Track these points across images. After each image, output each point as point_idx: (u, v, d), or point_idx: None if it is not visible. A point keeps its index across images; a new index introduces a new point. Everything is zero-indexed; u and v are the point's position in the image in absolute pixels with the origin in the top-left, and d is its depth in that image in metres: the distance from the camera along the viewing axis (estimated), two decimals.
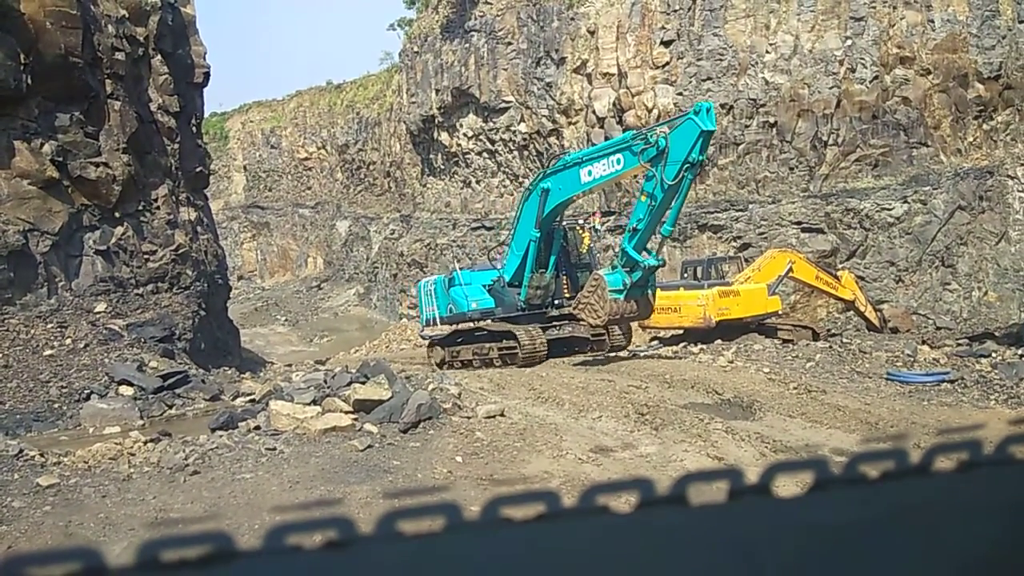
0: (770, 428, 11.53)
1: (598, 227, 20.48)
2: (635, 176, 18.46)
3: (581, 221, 20.27)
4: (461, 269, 21.04)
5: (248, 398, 14.20)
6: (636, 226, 15.39)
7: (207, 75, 24.38)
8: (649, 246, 15.93)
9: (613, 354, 17.94)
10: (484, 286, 19.00)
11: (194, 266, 20.90)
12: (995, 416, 12.21)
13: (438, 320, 20.12)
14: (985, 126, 28.96)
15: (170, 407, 14.48)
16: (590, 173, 16.23)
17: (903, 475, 0.89)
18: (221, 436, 10.31)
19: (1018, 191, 27.96)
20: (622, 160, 15.58)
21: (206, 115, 29.16)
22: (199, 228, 22.53)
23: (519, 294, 18.10)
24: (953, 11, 28.52)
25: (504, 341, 17.57)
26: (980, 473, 0.90)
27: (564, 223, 18.82)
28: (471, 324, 19.33)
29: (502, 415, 11.48)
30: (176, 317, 19.23)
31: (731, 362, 17.02)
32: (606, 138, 28.82)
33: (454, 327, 19.70)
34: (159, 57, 21.17)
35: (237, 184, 55.67)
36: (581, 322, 16.97)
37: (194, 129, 23.99)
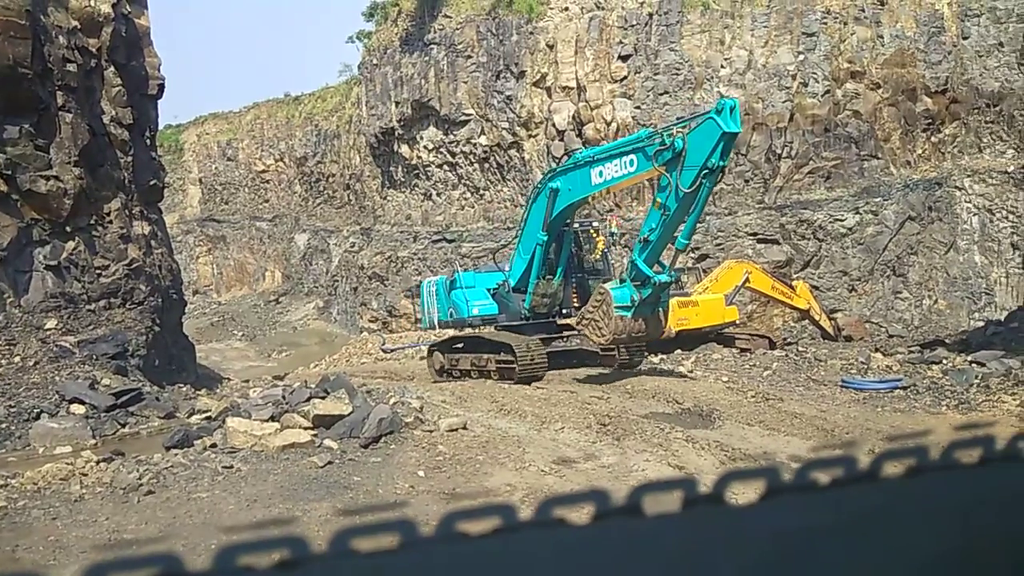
0: (729, 436, 11.66)
1: (615, 230, 18.79)
2: (646, 181, 16.88)
3: (596, 224, 18.84)
4: (464, 270, 19.75)
5: (204, 415, 13.92)
6: (648, 237, 13.87)
7: (161, 87, 23.99)
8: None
9: (626, 370, 16.63)
10: (488, 290, 17.79)
11: (148, 281, 20.48)
12: (946, 421, 12.51)
13: (437, 324, 18.97)
14: (933, 139, 29.85)
15: (123, 426, 14.13)
16: (601, 174, 14.69)
17: (853, 481, 0.91)
18: (176, 455, 10.09)
19: (966, 202, 28.84)
20: (635, 162, 13.96)
21: (161, 127, 28.68)
22: (153, 242, 22.10)
23: (524, 301, 16.86)
24: (901, 27, 29.40)
25: (502, 353, 16.11)
26: (927, 478, 0.93)
27: (577, 225, 17.38)
28: (472, 331, 17.86)
29: (464, 428, 11.44)
30: (129, 333, 18.80)
31: (691, 372, 17.20)
32: (566, 150, 29.08)
33: (450, 334, 18.56)
34: (112, 69, 20.77)
35: (192, 197, 54.83)
36: (584, 338, 15.65)
37: (148, 142, 23.56)
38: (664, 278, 14.03)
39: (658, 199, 13.71)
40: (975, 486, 0.94)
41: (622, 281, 14.38)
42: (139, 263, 20.13)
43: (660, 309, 14.66)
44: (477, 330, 17.81)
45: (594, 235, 17.76)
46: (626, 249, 29.26)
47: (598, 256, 17.68)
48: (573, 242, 17.14)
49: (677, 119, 19.92)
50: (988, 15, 29.12)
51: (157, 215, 23.77)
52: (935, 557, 0.91)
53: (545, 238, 16.11)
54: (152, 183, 22.92)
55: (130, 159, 21.17)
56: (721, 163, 12.78)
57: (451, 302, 18.26)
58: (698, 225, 28.69)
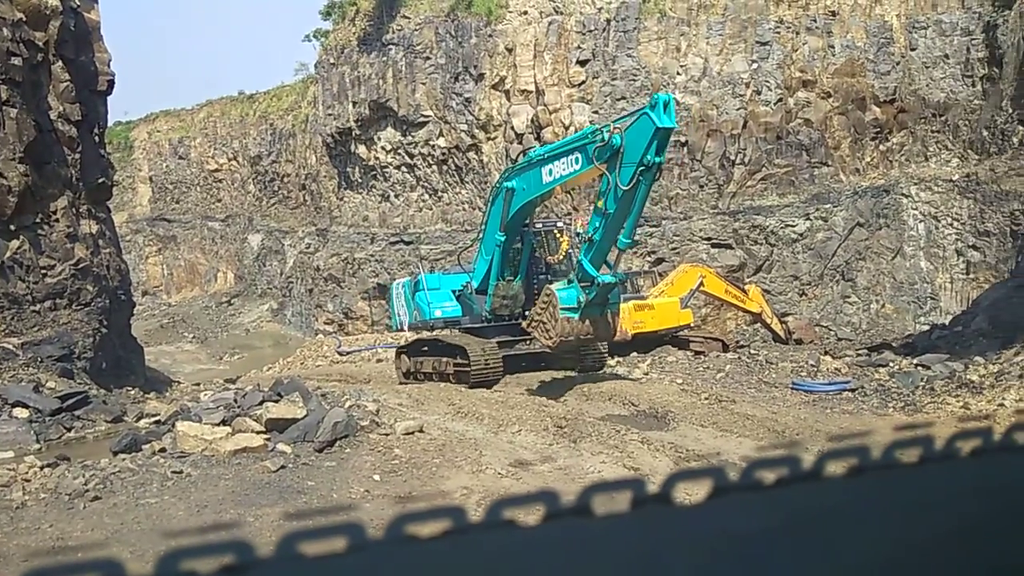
0: (683, 438, 11.81)
1: (581, 231, 18.37)
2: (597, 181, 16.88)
3: (561, 223, 18.11)
4: (427, 272, 19.42)
5: (153, 419, 13.64)
6: (592, 237, 13.51)
7: (111, 83, 23.42)
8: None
9: (588, 373, 16.32)
10: (453, 292, 17.46)
11: (95, 281, 19.97)
12: (892, 423, 12.83)
13: (405, 326, 18.66)
14: (882, 147, 30.67)
15: (69, 430, 13.76)
16: (551, 172, 14.32)
17: (797, 481, 0.93)
18: (124, 459, 9.86)
19: (912, 209, 29.68)
20: (580, 159, 13.57)
21: (110, 124, 28.00)
22: (101, 242, 21.55)
23: (486, 302, 16.47)
24: (852, 37, 30.16)
25: (458, 357, 15.83)
26: (869, 477, 0.95)
27: (540, 225, 16.97)
28: (429, 334, 17.63)
29: (421, 431, 11.38)
30: (76, 335, 18.31)
31: (646, 374, 17.36)
32: (523, 154, 29.13)
33: (414, 336, 18.21)
34: (60, 63, 20.21)
35: (142, 196, 53.69)
36: (535, 341, 15.03)
37: (97, 138, 22.97)
38: (608, 279, 13.56)
39: (599, 198, 13.44)
40: (915, 485, 0.97)
41: (570, 282, 14.02)
42: (86, 263, 19.62)
43: (609, 311, 14.26)
44: (435, 333, 17.54)
45: (559, 236, 17.17)
46: None
47: (562, 257, 17.13)
48: (537, 243, 16.72)
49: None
50: (934, 27, 30.03)
51: (105, 214, 23.19)
52: (880, 556, 0.93)
53: (503, 238, 15.77)
54: (100, 181, 22.35)
55: (78, 156, 20.63)
56: (657, 159, 12.34)
57: (415, 304, 17.99)
58: (655, 230, 29.24)
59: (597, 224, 13.47)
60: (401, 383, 17.38)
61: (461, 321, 17.20)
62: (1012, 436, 1.02)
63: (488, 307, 16.50)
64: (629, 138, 12.56)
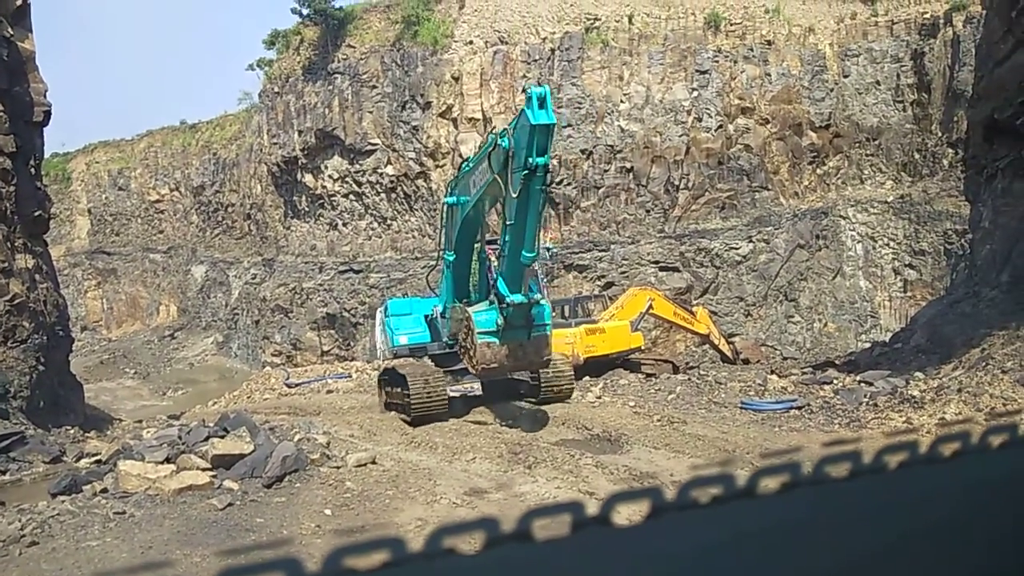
0: (636, 460, 11.85)
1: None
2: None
3: None
4: (393, 297, 18.57)
5: (94, 459, 13.20)
6: (504, 251, 12.40)
7: (48, 113, 22.85)
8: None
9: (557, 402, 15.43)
10: (425, 317, 16.45)
11: (32, 318, 19.33)
12: (836, 439, 13.06)
13: (379, 354, 17.81)
14: (819, 171, 31.66)
15: (4, 472, 13.23)
16: (474, 184, 13.25)
17: (733, 498, 0.95)
18: (63, 501, 9.51)
19: (850, 230, 30.63)
20: (488, 168, 12.39)
21: (47, 155, 27.28)
22: (37, 276, 20.90)
23: (446, 327, 15.30)
24: (787, 65, 31.19)
25: (401, 387, 14.74)
26: (801, 493, 0.98)
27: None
28: (395, 362, 16.46)
29: (373, 462, 11.22)
30: (11, 373, 17.67)
31: (599, 398, 17.42)
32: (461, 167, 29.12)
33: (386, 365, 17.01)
34: None
35: (81, 228, 52.31)
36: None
37: (33, 170, 22.36)
38: (519, 298, 12.23)
39: (503, 209, 12.42)
40: (845, 499, 1.00)
41: (491, 303, 12.79)
42: (22, 299, 18.99)
43: (536, 334, 12.85)
44: (395, 361, 16.56)
45: None
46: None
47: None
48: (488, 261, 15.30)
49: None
50: (866, 55, 31.25)
51: (42, 248, 22.52)
52: (813, 570, 0.96)
53: (453, 258, 14.83)
54: (37, 214, 21.73)
55: (13, 189, 20.05)
56: (539, 161, 11.03)
57: (384, 331, 17.10)
58: (604, 254, 29.55)
59: (506, 238, 12.34)
60: (383, 411, 16.44)
61: (428, 347, 16.25)
62: (937, 449, 1.06)
63: (448, 331, 15.43)
64: (516, 139, 11.47)
